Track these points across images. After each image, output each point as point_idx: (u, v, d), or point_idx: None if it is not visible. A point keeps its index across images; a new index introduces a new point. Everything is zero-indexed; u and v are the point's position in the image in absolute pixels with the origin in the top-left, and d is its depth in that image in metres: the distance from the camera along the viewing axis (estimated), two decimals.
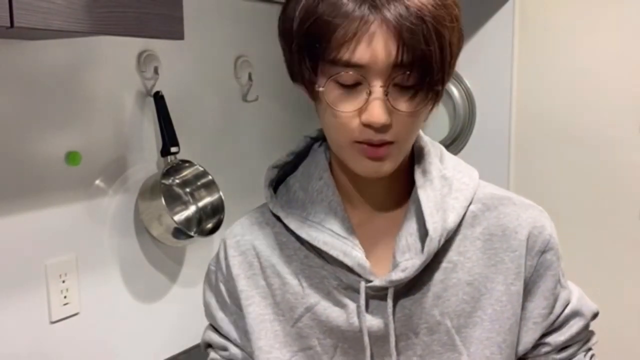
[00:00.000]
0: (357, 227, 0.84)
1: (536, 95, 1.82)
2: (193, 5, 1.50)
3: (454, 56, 0.77)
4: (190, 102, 1.70)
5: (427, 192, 0.82)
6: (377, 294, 0.82)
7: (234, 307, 0.91)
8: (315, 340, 0.85)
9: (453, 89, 1.91)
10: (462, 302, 0.83)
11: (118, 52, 1.50)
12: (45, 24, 0.97)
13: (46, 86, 1.36)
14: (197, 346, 1.61)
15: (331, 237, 0.82)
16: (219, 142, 1.79)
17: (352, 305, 0.83)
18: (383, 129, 0.75)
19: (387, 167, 0.79)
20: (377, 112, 0.73)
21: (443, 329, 0.83)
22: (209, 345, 0.96)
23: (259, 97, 1.86)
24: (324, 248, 0.82)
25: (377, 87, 0.73)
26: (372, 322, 0.82)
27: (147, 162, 1.59)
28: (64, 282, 1.41)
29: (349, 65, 0.73)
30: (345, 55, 0.72)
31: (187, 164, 1.63)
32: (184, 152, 1.60)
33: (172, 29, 1.18)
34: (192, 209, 1.66)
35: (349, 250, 0.82)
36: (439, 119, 1.94)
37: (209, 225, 1.64)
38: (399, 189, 0.86)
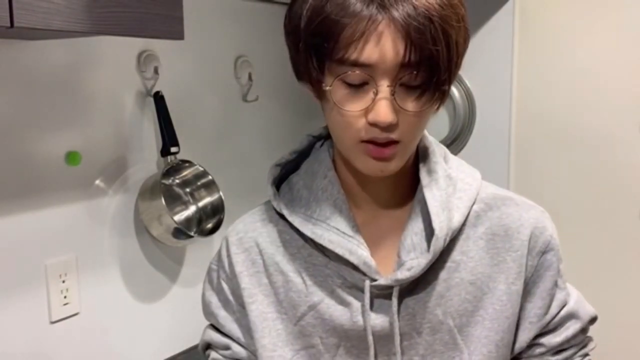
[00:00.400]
0: (361, 226, 0.84)
1: (536, 95, 1.82)
2: (193, 5, 1.50)
3: (460, 56, 0.77)
4: (190, 102, 1.70)
5: (432, 192, 0.83)
6: (381, 293, 0.82)
7: (237, 305, 0.90)
8: (318, 339, 0.85)
9: (453, 89, 1.91)
10: (464, 302, 0.83)
11: (118, 52, 1.50)
12: (45, 24, 0.97)
13: (46, 86, 1.36)
14: (196, 346, 1.61)
15: (337, 235, 0.82)
16: (219, 142, 1.79)
17: (356, 304, 0.83)
18: (389, 128, 0.75)
19: (393, 166, 0.79)
20: (383, 112, 0.73)
21: (445, 329, 0.83)
22: (208, 346, 0.95)
23: (259, 97, 1.86)
24: (330, 246, 0.82)
25: (384, 87, 0.73)
26: (376, 321, 0.82)
27: (147, 162, 1.59)
28: (64, 282, 1.41)
29: (356, 64, 0.73)
30: (353, 54, 0.72)
31: (187, 164, 1.63)
32: (184, 152, 1.60)
33: (172, 29, 1.18)
34: (192, 209, 1.66)
35: (354, 248, 0.82)
36: (439, 119, 1.94)
37: (209, 225, 1.64)
38: (404, 188, 0.86)
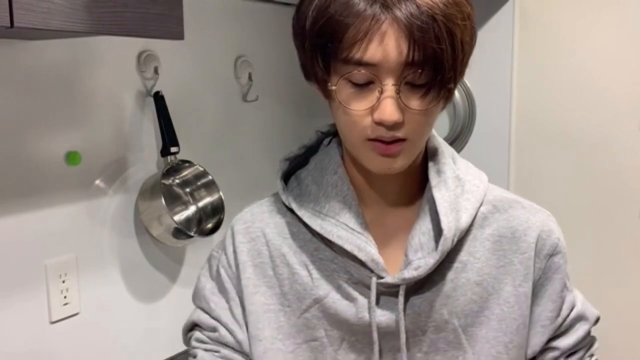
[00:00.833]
0: (369, 224, 0.85)
1: (536, 95, 1.82)
2: (193, 5, 1.50)
3: (466, 54, 0.77)
4: (190, 102, 1.70)
5: (441, 192, 0.83)
6: (387, 291, 0.82)
7: (234, 293, 0.89)
8: (323, 332, 0.85)
9: None
10: (470, 302, 0.83)
11: (118, 52, 1.50)
12: (45, 24, 0.97)
13: (46, 86, 1.36)
14: None
15: (345, 231, 0.83)
16: (219, 142, 1.79)
17: (362, 300, 0.83)
18: (395, 126, 0.75)
19: (400, 163, 0.79)
20: (388, 111, 0.74)
21: (450, 328, 0.83)
22: (194, 326, 0.94)
23: (259, 97, 1.86)
24: (338, 242, 0.82)
25: (389, 86, 0.74)
26: (382, 317, 0.82)
27: (147, 162, 1.59)
28: (64, 282, 1.41)
29: (360, 64, 0.73)
30: (357, 54, 0.73)
31: (187, 164, 1.63)
32: (184, 152, 1.60)
33: (172, 29, 1.18)
34: (192, 209, 1.66)
35: (363, 245, 0.82)
36: (439, 119, 1.93)
37: (209, 225, 1.64)
38: (412, 188, 0.87)
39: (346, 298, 0.84)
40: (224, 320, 0.89)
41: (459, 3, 0.74)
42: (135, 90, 1.55)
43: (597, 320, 0.91)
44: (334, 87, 0.77)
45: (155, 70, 1.56)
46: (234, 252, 0.89)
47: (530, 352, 0.86)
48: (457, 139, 1.94)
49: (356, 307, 0.83)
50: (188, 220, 1.65)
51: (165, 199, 1.49)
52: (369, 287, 0.83)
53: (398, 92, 0.74)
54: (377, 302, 0.83)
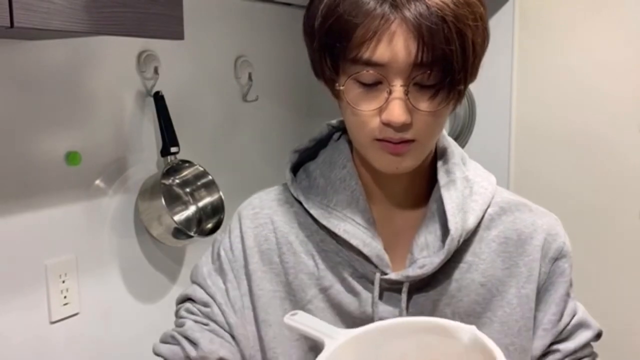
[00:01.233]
0: (375, 221, 0.85)
1: (536, 96, 1.82)
2: (193, 5, 1.50)
3: (477, 56, 0.76)
4: (190, 102, 1.70)
5: (450, 192, 0.83)
6: (391, 287, 0.83)
7: (231, 275, 0.89)
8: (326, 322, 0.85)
9: None
10: (473, 303, 0.83)
11: (118, 52, 1.50)
12: (45, 24, 0.97)
13: (46, 86, 1.36)
14: None
15: (352, 226, 0.83)
16: (219, 142, 1.79)
17: (365, 294, 0.83)
18: (403, 128, 0.75)
19: (408, 163, 0.79)
20: (397, 112, 0.73)
21: None
22: (187, 299, 0.93)
23: (259, 97, 1.86)
24: (345, 236, 0.82)
25: (397, 87, 0.73)
26: (385, 313, 0.82)
27: (147, 162, 1.59)
28: (63, 282, 1.41)
29: (369, 64, 0.73)
30: (365, 54, 0.72)
31: (187, 164, 1.63)
32: (184, 152, 1.60)
33: (172, 29, 1.18)
34: (192, 209, 1.66)
35: (369, 240, 0.82)
36: None
37: (209, 225, 1.64)
38: (420, 188, 0.87)
39: (350, 291, 0.84)
40: (218, 299, 0.88)
41: (471, 3, 0.74)
42: (135, 90, 1.55)
43: (599, 335, 0.90)
44: (341, 87, 0.76)
45: (155, 70, 1.56)
46: (241, 236, 0.89)
47: (532, 355, 0.86)
48: (457, 139, 1.94)
49: (359, 300, 0.83)
50: (188, 220, 1.65)
51: (165, 199, 1.49)
52: (372, 283, 0.83)
53: (406, 93, 0.73)
54: (380, 298, 0.83)
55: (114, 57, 1.49)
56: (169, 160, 1.57)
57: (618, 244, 1.74)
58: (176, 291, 1.70)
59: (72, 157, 1.40)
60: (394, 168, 0.79)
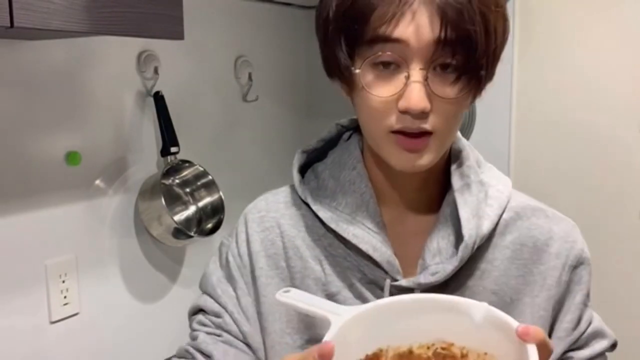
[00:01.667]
0: (386, 224, 0.82)
1: (536, 95, 1.82)
2: (193, 5, 1.50)
3: (499, 45, 0.74)
4: (190, 102, 1.70)
5: (464, 197, 0.80)
6: (400, 294, 0.78)
7: (242, 283, 0.86)
8: None
9: None
10: None
11: (118, 52, 1.50)
12: (45, 24, 0.97)
13: (46, 86, 1.36)
14: None
15: (362, 230, 0.80)
16: (219, 142, 1.79)
17: (373, 300, 0.80)
18: (421, 116, 0.71)
19: (425, 160, 0.75)
20: (415, 97, 0.70)
21: None
22: (199, 311, 0.89)
23: (259, 97, 1.86)
24: (354, 241, 0.79)
25: (417, 70, 0.70)
26: None
27: (147, 162, 1.59)
28: (63, 282, 1.41)
29: (387, 40, 0.70)
30: (384, 30, 0.69)
31: (187, 164, 1.63)
32: (184, 152, 1.60)
33: (172, 29, 1.18)
34: (192, 209, 1.66)
35: (378, 245, 0.79)
36: None
37: (209, 225, 1.64)
38: (433, 190, 0.83)
39: (358, 297, 0.81)
40: (230, 308, 0.86)
41: None
42: (135, 90, 1.55)
43: (614, 345, 0.88)
44: (357, 70, 0.73)
45: (155, 70, 1.56)
46: (247, 240, 0.86)
47: None
48: None
49: None
50: (188, 220, 1.65)
51: (165, 199, 1.49)
52: (382, 289, 0.80)
53: (426, 78, 0.70)
54: None
55: (114, 57, 1.49)
56: (169, 160, 1.57)
57: (618, 244, 1.74)
58: (176, 291, 1.70)
59: (72, 157, 1.40)
60: (410, 165, 0.75)
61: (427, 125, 0.72)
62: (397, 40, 0.69)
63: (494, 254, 0.82)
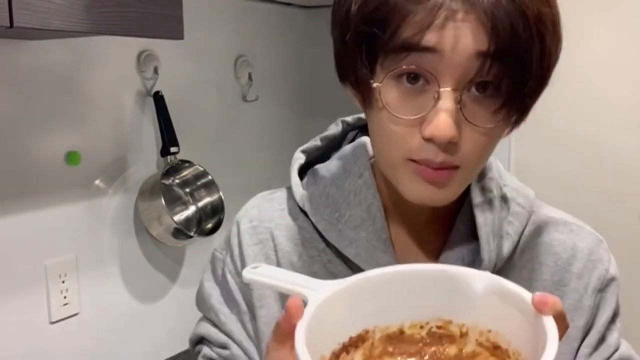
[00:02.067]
0: (393, 241, 0.72)
1: None
2: (193, 5, 1.49)
3: (550, 67, 0.64)
4: (190, 102, 1.70)
5: (485, 215, 0.70)
6: None
7: (244, 305, 0.76)
8: None
9: None
10: None
11: (118, 52, 1.50)
12: (45, 24, 0.97)
13: (46, 86, 1.36)
14: None
15: (366, 249, 0.70)
16: (219, 142, 1.79)
17: None
18: (449, 146, 0.60)
19: (446, 194, 0.64)
20: (443, 123, 0.58)
21: None
22: (201, 340, 0.80)
23: (259, 97, 1.86)
24: (356, 260, 0.71)
25: (448, 91, 0.58)
26: None
27: (146, 162, 1.59)
28: (63, 282, 1.41)
29: (417, 48, 0.57)
30: (413, 37, 0.57)
31: (187, 164, 1.63)
32: (183, 152, 1.60)
33: (172, 29, 1.18)
34: (192, 209, 1.66)
35: (384, 265, 0.67)
36: None
37: (209, 225, 1.64)
38: (448, 204, 0.70)
39: None
40: (237, 337, 0.76)
41: (552, 3, 0.62)
42: (135, 90, 1.55)
43: None
44: (377, 84, 0.61)
45: (155, 70, 1.56)
46: (241, 254, 0.76)
47: None
48: None
49: None
50: (188, 220, 1.65)
51: (165, 199, 1.49)
52: None
53: (459, 100, 0.58)
54: None
55: (114, 57, 1.49)
56: (169, 160, 1.57)
57: (618, 244, 1.74)
58: (176, 291, 1.70)
59: (71, 157, 1.40)
60: (428, 199, 0.64)
61: (454, 159, 0.61)
62: (428, 49, 0.57)
63: (512, 276, 0.72)
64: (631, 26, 1.68)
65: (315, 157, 0.80)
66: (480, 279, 0.54)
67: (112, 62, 1.49)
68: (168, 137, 1.56)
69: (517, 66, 0.58)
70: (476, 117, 0.60)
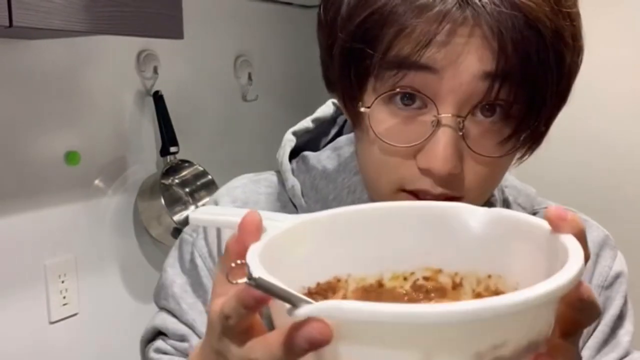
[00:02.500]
0: None
1: None
2: (193, 5, 1.49)
3: (571, 85, 0.55)
4: (190, 102, 1.69)
5: None
6: None
7: None
8: None
9: None
10: None
11: (118, 52, 1.49)
12: (45, 24, 0.97)
13: (45, 86, 1.36)
14: None
15: None
16: (219, 142, 1.79)
17: None
18: (448, 179, 0.52)
19: None
20: (442, 155, 0.50)
21: None
22: (158, 334, 0.72)
23: (259, 97, 1.86)
24: None
25: (449, 117, 0.50)
26: None
27: (146, 162, 1.59)
28: (63, 282, 1.41)
29: (413, 66, 0.50)
30: (409, 56, 0.49)
31: (186, 164, 1.63)
32: (183, 152, 1.60)
33: (172, 29, 1.18)
34: (191, 209, 1.66)
35: None
36: None
37: None
38: None
39: None
40: (198, 327, 0.66)
41: (573, 15, 0.53)
42: (135, 90, 1.55)
43: None
44: (364, 109, 0.53)
45: (155, 70, 1.56)
46: (218, 237, 0.68)
47: None
48: None
49: None
50: (187, 220, 1.64)
51: (164, 199, 1.49)
52: None
53: (461, 127, 0.51)
54: None
55: (114, 56, 1.49)
56: (169, 160, 1.56)
57: (618, 244, 1.74)
58: None
59: (71, 157, 1.40)
60: None
61: (453, 192, 0.53)
62: (426, 68, 0.50)
63: None
64: (631, 25, 1.68)
65: (306, 141, 0.73)
66: (474, 214, 0.44)
67: (111, 62, 1.49)
68: (168, 137, 1.56)
69: (530, 90, 0.50)
70: (481, 145, 0.52)
